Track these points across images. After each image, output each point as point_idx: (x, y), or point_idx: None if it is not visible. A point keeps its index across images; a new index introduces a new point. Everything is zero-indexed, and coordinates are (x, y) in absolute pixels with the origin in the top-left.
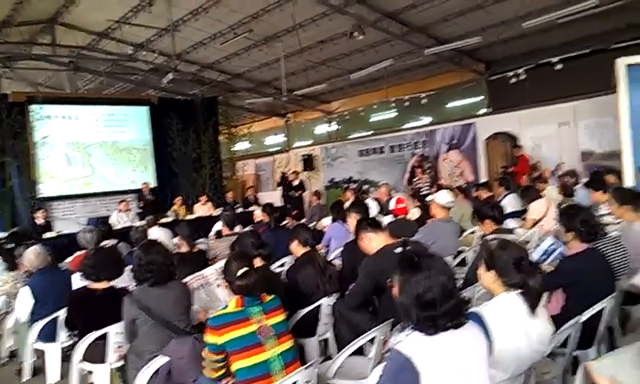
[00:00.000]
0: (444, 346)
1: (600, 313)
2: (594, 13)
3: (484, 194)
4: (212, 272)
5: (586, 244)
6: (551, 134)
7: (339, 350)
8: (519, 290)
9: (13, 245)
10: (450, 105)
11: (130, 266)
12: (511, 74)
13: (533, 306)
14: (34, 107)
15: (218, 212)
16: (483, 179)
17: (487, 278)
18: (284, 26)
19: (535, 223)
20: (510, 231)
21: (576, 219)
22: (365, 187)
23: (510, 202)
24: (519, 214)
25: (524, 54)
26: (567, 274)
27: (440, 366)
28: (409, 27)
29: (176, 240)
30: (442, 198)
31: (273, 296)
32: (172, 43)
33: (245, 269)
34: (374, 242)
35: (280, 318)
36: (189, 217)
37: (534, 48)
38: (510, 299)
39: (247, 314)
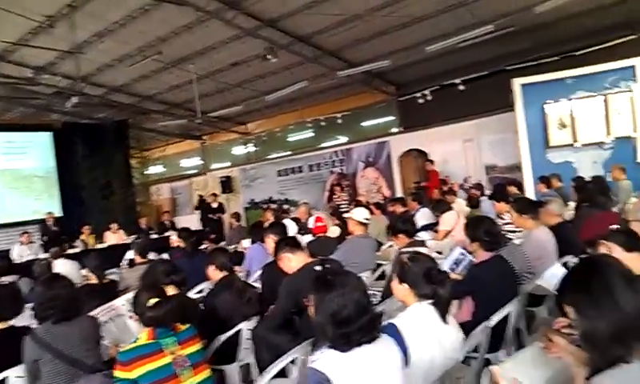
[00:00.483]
0: (359, 361)
1: (507, 316)
2: (491, 37)
3: (399, 209)
4: (123, 303)
5: (491, 252)
6: (457, 150)
7: (261, 374)
8: (430, 300)
9: None
10: (364, 124)
11: (32, 304)
12: (419, 95)
13: (443, 314)
14: None
15: (131, 239)
16: (399, 194)
17: (400, 290)
18: (195, 48)
19: (447, 234)
20: (423, 243)
21: (480, 229)
22: (285, 207)
23: (423, 216)
24: (432, 227)
25: (430, 76)
26: (475, 281)
27: (355, 381)
28: (321, 50)
29: (84, 272)
30: (359, 214)
31: (187, 325)
32: (76, 65)
33: (156, 299)
34: (293, 262)
35: (195, 347)
36: (99, 246)
37: (438, 70)
38: (422, 309)
39: (160, 346)
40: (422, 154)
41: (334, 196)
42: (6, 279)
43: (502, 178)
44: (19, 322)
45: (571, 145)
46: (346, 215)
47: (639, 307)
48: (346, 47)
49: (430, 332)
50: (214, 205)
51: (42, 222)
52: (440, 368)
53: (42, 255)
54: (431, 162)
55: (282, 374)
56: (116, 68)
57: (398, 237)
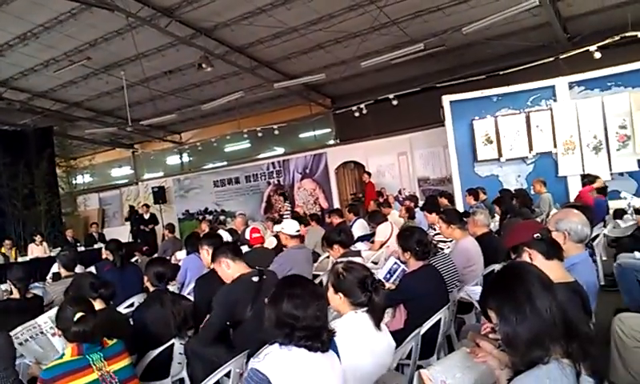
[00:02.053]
0: (301, 365)
1: (438, 323)
2: (422, 55)
3: (336, 220)
4: (46, 320)
5: (422, 261)
6: (392, 162)
7: None
8: (365, 308)
9: None
10: (301, 135)
11: None
12: (354, 108)
13: (377, 321)
14: None
15: (56, 252)
16: (336, 205)
17: (335, 299)
18: (126, 55)
19: (382, 245)
20: (358, 253)
21: (411, 240)
22: (222, 218)
23: (359, 227)
24: (368, 237)
25: (365, 91)
26: (407, 290)
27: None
28: (257, 61)
29: (5, 286)
30: (290, 227)
31: (115, 340)
32: None
33: (81, 313)
34: (231, 270)
35: (124, 362)
36: (21, 259)
37: (373, 85)
38: (356, 318)
39: (87, 362)
40: (358, 166)
41: (277, 206)
42: None
43: (433, 190)
44: None
45: (497, 159)
46: (276, 228)
47: (555, 312)
48: (282, 59)
49: (362, 340)
50: (146, 216)
51: None
52: (372, 375)
53: None
54: (368, 174)
55: None
56: (40, 73)
57: (333, 247)
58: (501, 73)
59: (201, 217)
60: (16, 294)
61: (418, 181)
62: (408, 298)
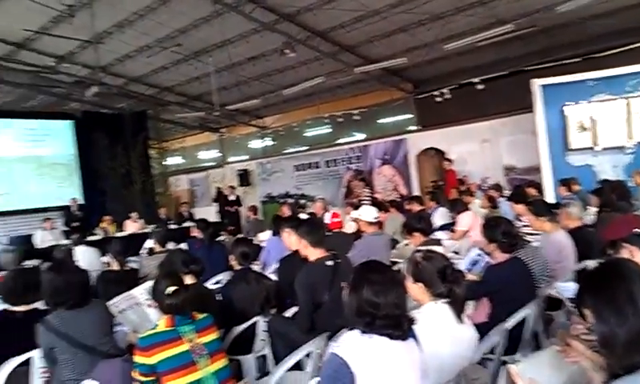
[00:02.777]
0: (380, 351)
1: (524, 319)
2: (511, 37)
3: (416, 207)
4: (142, 292)
5: (508, 254)
6: (476, 149)
7: (276, 366)
8: (446, 299)
9: None
10: (381, 121)
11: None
12: (437, 93)
13: (459, 313)
14: None
15: (149, 229)
16: (416, 193)
17: (414, 289)
18: (214, 41)
19: (463, 234)
20: (438, 242)
21: (497, 231)
22: (302, 202)
23: (440, 215)
24: (449, 227)
25: (448, 75)
26: (491, 282)
27: (375, 370)
28: (339, 46)
29: (106, 258)
30: (368, 214)
31: (205, 314)
32: (96, 55)
33: (174, 287)
34: (311, 255)
35: (213, 336)
36: (119, 234)
37: (457, 69)
38: (436, 308)
39: (178, 333)
40: (439, 152)
41: (357, 191)
42: (29, 263)
43: (520, 180)
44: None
45: (591, 148)
46: (353, 214)
47: None
48: (364, 43)
49: (443, 331)
50: (232, 197)
51: (64, 208)
52: (453, 367)
53: (64, 241)
54: (449, 161)
55: (298, 367)
56: (135, 59)
57: (413, 235)
58: (597, 55)
59: (282, 200)
60: (115, 266)
61: (503, 169)
62: (492, 291)
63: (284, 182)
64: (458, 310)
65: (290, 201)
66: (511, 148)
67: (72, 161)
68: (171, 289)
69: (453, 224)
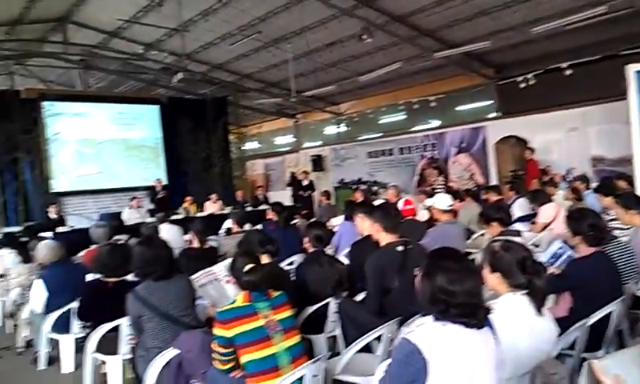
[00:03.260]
0: (454, 339)
1: (607, 316)
2: (603, 19)
3: (493, 197)
4: (221, 269)
5: (594, 248)
6: (561, 138)
7: (346, 347)
8: (525, 291)
9: (27, 238)
10: (459, 108)
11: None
12: (520, 78)
13: (539, 306)
14: (45, 104)
15: (228, 210)
16: (493, 182)
17: (492, 279)
18: (292, 28)
19: (545, 227)
20: (518, 233)
21: (583, 223)
22: (374, 189)
23: (519, 206)
24: (529, 218)
25: (533, 59)
26: (574, 277)
27: (448, 358)
28: (417, 30)
29: (188, 236)
30: (442, 202)
31: (280, 292)
32: (182, 43)
33: (251, 265)
34: (383, 239)
35: (287, 313)
36: (199, 214)
37: (543, 53)
38: (515, 300)
39: (255, 309)
40: (520, 141)
41: (431, 179)
42: (119, 238)
43: (610, 172)
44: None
45: None
46: (427, 202)
47: None
48: (444, 27)
49: (520, 322)
50: (305, 182)
51: (149, 188)
52: (530, 360)
53: (149, 219)
54: (531, 150)
55: (367, 349)
56: (218, 46)
57: (490, 225)
58: None
59: (354, 186)
60: (196, 244)
61: (590, 160)
62: (574, 286)
63: (357, 168)
64: (538, 303)
65: (363, 187)
66: (601, 137)
67: (158, 144)
68: (249, 266)
69: (532, 216)
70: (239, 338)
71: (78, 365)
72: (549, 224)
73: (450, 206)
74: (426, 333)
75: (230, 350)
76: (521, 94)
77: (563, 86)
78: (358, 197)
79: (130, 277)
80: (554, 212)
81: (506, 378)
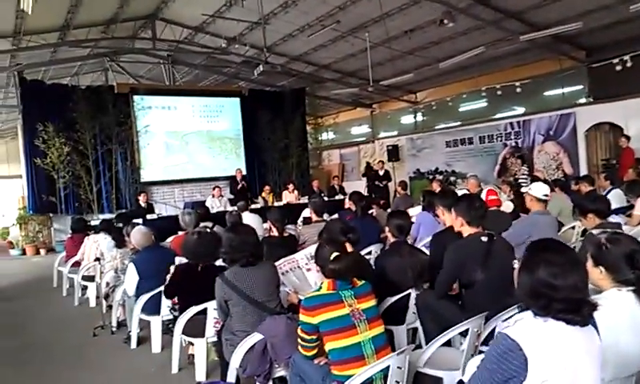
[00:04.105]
0: (556, 336)
1: None
2: None
3: (585, 188)
4: (302, 257)
5: None
6: None
7: (425, 339)
8: (632, 287)
9: (121, 224)
10: (546, 93)
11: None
12: (616, 60)
13: None
14: (136, 98)
15: (304, 200)
16: (583, 172)
17: (595, 273)
18: (371, 16)
19: None
20: (618, 225)
21: None
22: (452, 179)
23: (614, 197)
24: (624, 210)
25: (630, 40)
26: None
27: (550, 355)
28: (502, 13)
29: (266, 225)
30: (538, 190)
31: (363, 281)
32: (263, 36)
33: (336, 253)
34: (465, 232)
35: (371, 303)
36: (277, 203)
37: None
38: (620, 296)
39: (340, 297)
40: (614, 128)
41: (513, 169)
42: (205, 225)
43: None
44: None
45: None
46: (523, 190)
47: None
48: (531, 8)
49: (626, 320)
50: (381, 172)
51: (230, 178)
52: (636, 361)
53: (230, 208)
54: (627, 138)
55: (448, 343)
56: (297, 38)
57: (587, 216)
58: None
59: (431, 176)
60: (274, 232)
61: None
62: None
63: (433, 158)
64: None
65: (439, 177)
66: None
67: (239, 135)
68: (335, 254)
69: (628, 208)
70: (324, 325)
71: (164, 346)
72: None
73: (546, 195)
74: (527, 329)
75: (314, 337)
76: (615, 78)
77: None
78: (435, 187)
79: (218, 262)
80: None
81: (608, 379)
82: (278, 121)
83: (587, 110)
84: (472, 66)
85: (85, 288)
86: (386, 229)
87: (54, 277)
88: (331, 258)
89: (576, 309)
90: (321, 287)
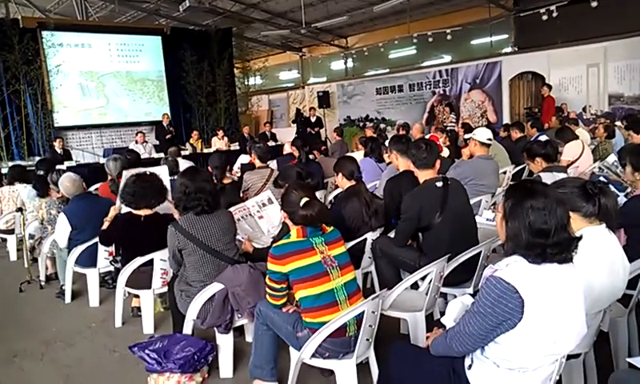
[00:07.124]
0: (548, 277)
1: None
2: None
3: (516, 135)
4: (253, 204)
5: None
6: (580, 74)
7: (380, 283)
8: (600, 218)
9: (42, 172)
10: (474, 42)
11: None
12: (543, 10)
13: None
14: (45, 34)
15: (234, 147)
16: (506, 120)
17: None
18: None
19: (570, 165)
20: (564, 169)
21: None
22: (382, 126)
23: None
24: None
25: None
26: (631, 214)
27: (544, 296)
28: None
29: None
30: (482, 134)
31: (332, 227)
32: None
33: (307, 198)
34: (420, 177)
35: (342, 249)
36: (206, 150)
37: None
38: (593, 231)
39: (311, 244)
40: (537, 77)
41: (441, 117)
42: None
43: (627, 109)
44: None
45: None
46: (467, 135)
47: None
48: None
49: (602, 259)
50: (313, 119)
51: (153, 123)
52: (608, 297)
53: (155, 154)
54: (549, 87)
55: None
56: None
57: (535, 160)
58: None
59: (361, 124)
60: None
61: (608, 97)
62: (630, 224)
63: (364, 105)
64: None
65: (370, 124)
66: (620, 74)
67: (161, 77)
68: (304, 200)
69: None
70: (295, 273)
71: (102, 300)
72: (574, 162)
73: (490, 139)
74: (522, 272)
75: (284, 286)
76: (540, 27)
77: (587, 19)
78: (369, 133)
79: (161, 210)
80: (580, 149)
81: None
82: (204, 63)
83: (513, 58)
84: (404, 11)
85: (3, 241)
86: (339, 175)
87: None
88: (301, 203)
89: (566, 247)
90: (289, 235)
